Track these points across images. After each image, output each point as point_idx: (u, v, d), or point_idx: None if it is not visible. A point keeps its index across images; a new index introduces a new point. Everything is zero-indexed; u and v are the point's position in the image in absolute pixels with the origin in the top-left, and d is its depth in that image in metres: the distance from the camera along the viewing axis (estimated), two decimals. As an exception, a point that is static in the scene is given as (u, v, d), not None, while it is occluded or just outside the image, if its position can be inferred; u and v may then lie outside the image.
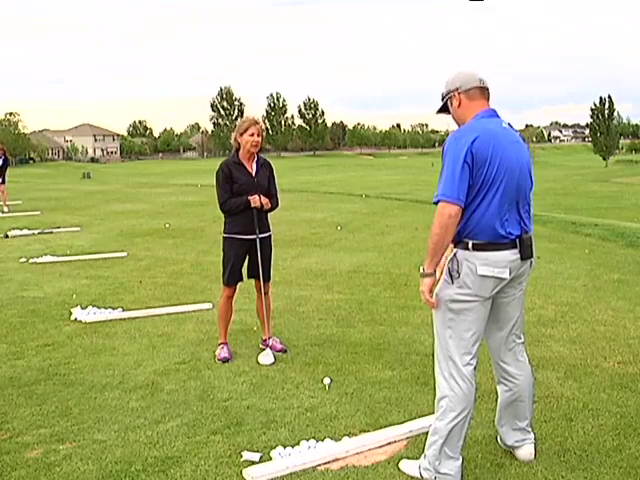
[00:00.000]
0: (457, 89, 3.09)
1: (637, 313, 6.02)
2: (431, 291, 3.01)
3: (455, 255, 3.01)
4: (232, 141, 4.93)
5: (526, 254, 3.01)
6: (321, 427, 3.72)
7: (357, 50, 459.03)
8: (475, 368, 3.07)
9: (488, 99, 3.13)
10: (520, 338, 3.25)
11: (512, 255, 2.98)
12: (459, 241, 3.00)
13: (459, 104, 3.10)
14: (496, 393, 3.37)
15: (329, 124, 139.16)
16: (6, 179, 16.63)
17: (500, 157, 2.93)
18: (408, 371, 4.61)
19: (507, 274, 2.97)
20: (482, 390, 3.92)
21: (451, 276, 3.00)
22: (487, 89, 3.12)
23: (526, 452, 3.29)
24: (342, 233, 11.53)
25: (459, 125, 3.13)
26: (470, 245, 2.96)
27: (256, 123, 4.83)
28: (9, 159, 17.90)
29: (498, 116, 3.11)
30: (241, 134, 4.82)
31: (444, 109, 3.22)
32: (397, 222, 12.95)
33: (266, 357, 4.85)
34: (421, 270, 3.02)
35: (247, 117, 4.96)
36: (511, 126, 3.14)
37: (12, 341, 5.45)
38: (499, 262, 2.95)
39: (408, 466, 3.21)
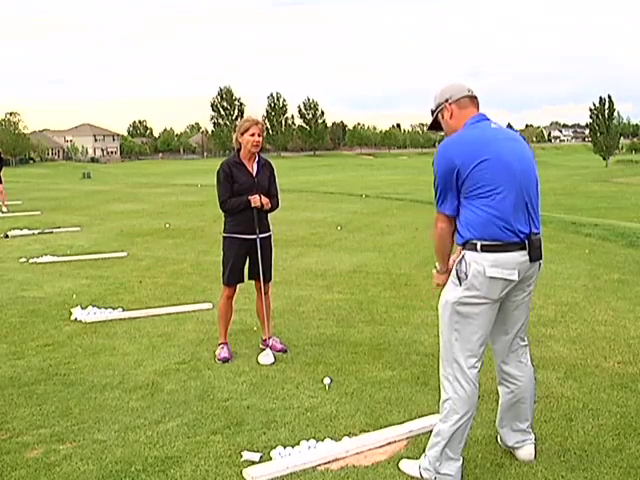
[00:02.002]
0: (447, 100, 3.11)
1: (637, 313, 6.02)
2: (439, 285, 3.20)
3: (463, 257, 3.00)
4: (233, 142, 4.94)
5: (535, 255, 3.00)
6: (321, 427, 3.72)
7: (357, 50, 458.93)
8: (479, 371, 3.07)
9: (478, 107, 3.14)
10: (524, 341, 3.25)
11: (521, 257, 2.97)
12: (467, 242, 2.99)
13: (451, 115, 3.11)
14: (497, 393, 3.38)
15: (329, 124, 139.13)
16: (2, 179, 16.55)
17: (495, 158, 2.93)
18: (408, 371, 4.60)
19: (516, 276, 2.96)
20: (482, 390, 3.90)
21: (459, 278, 3.00)
22: (476, 97, 3.15)
23: (526, 452, 3.29)
24: (342, 233, 11.53)
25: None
26: (479, 246, 2.95)
27: (257, 123, 4.83)
28: (9, 159, 17.89)
29: (487, 119, 3.12)
30: (242, 134, 4.82)
31: (435, 126, 3.23)
32: (397, 222, 12.95)
33: (266, 357, 4.85)
34: (438, 268, 3.21)
35: (248, 117, 4.96)
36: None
37: (12, 341, 5.45)
38: (508, 263, 2.94)
39: (408, 466, 3.21)
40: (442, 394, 3.10)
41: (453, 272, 3.05)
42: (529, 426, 3.31)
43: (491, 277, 2.93)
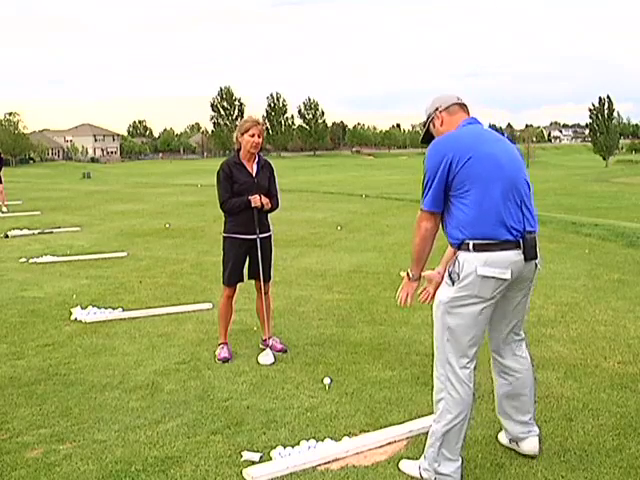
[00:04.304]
0: (437, 109, 3.17)
1: (637, 313, 6.01)
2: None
3: (457, 258, 3.01)
4: (234, 142, 4.94)
5: (530, 255, 2.98)
6: (321, 427, 3.72)
7: (357, 50, 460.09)
8: (474, 370, 3.07)
9: (468, 114, 3.19)
10: (518, 335, 3.25)
11: (515, 256, 2.96)
12: (461, 243, 2.99)
13: (442, 122, 3.16)
14: (496, 393, 3.37)
15: (329, 124, 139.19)
16: (2, 179, 16.54)
17: (485, 156, 2.95)
18: (408, 371, 4.60)
19: (509, 275, 2.95)
20: (482, 390, 3.92)
21: (451, 278, 3.00)
22: (465, 105, 3.20)
23: (530, 445, 3.27)
24: (342, 233, 11.53)
25: None
26: (471, 246, 2.95)
27: (258, 124, 4.82)
28: (9, 159, 17.91)
29: (479, 122, 3.17)
30: (242, 134, 4.82)
31: (429, 138, 3.23)
32: (397, 222, 12.94)
33: (266, 357, 4.85)
34: (410, 274, 3.19)
35: (249, 117, 4.95)
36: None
37: (12, 341, 5.45)
38: (500, 262, 2.93)
39: (408, 466, 3.21)
40: (434, 394, 3.10)
41: (446, 273, 3.05)
42: (531, 418, 3.30)
43: (483, 276, 2.92)
